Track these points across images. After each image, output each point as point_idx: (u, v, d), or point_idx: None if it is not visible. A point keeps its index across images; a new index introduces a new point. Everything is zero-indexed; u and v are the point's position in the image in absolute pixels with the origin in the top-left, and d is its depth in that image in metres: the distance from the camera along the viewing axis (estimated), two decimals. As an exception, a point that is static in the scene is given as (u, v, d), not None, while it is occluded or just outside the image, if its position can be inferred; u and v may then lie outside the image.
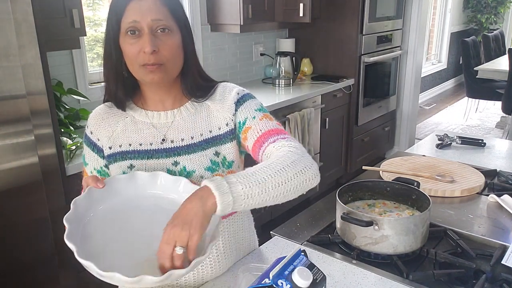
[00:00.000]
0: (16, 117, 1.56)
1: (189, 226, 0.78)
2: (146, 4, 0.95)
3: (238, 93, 1.08)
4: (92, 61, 2.65)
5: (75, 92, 2.31)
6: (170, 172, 1.03)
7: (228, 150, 1.06)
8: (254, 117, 1.04)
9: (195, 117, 1.07)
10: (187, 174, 1.03)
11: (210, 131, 1.06)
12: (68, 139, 1.92)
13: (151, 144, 1.05)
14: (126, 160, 1.05)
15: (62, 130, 1.97)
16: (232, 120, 1.06)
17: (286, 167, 0.89)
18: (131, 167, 1.04)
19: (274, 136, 1.00)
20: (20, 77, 1.54)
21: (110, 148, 1.06)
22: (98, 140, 1.07)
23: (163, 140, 1.05)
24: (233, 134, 1.07)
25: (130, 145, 1.05)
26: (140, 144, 1.05)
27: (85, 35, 2.11)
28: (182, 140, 1.05)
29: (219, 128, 1.06)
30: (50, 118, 1.63)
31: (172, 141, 1.05)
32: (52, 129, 1.65)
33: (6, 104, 1.54)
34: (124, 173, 1.04)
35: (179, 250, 0.78)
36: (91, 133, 1.08)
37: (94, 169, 1.09)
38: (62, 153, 1.75)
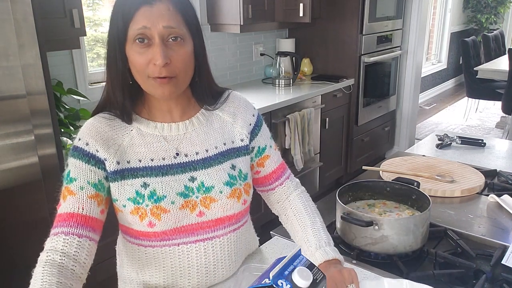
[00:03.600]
0: (16, 117, 1.56)
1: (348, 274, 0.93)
2: (158, 10, 0.87)
3: (253, 115, 1.09)
4: (92, 61, 2.65)
5: (75, 92, 2.31)
6: (187, 188, 0.97)
7: (242, 163, 1.05)
8: (271, 146, 1.12)
9: (208, 128, 1.02)
10: (206, 190, 0.98)
11: (224, 144, 1.02)
12: (68, 139, 1.92)
13: (163, 159, 0.97)
14: (138, 177, 0.95)
15: (62, 130, 1.97)
16: (247, 137, 1.06)
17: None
18: (145, 185, 0.95)
19: (286, 171, 1.15)
20: (20, 77, 1.54)
21: (118, 163, 0.95)
22: (97, 151, 0.94)
23: (177, 154, 0.98)
24: (247, 150, 1.06)
25: (140, 161, 0.96)
26: (152, 160, 0.96)
27: (85, 35, 2.12)
28: (197, 153, 0.99)
29: (233, 142, 1.04)
30: (50, 118, 1.63)
31: (186, 155, 0.98)
32: (52, 129, 1.65)
33: (6, 104, 1.54)
34: (137, 192, 0.94)
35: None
36: (87, 144, 0.94)
37: (88, 183, 0.93)
38: (62, 153, 1.75)
